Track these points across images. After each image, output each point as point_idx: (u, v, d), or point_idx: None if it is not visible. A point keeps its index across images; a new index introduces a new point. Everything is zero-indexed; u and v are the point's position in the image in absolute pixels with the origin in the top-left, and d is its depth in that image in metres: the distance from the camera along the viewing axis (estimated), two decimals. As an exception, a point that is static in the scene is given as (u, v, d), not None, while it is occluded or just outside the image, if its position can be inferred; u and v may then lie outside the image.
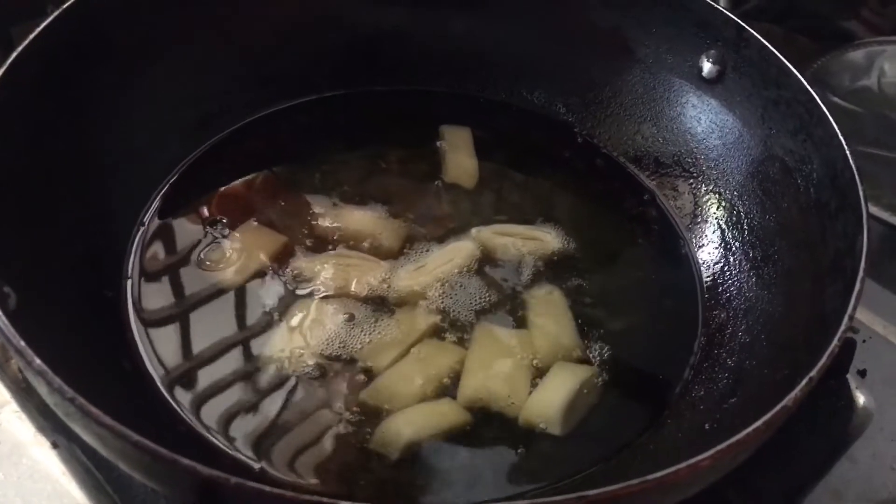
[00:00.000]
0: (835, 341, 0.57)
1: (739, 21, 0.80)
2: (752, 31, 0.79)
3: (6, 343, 0.53)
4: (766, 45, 0.78)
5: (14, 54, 0.68)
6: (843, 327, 0.58)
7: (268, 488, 0.46)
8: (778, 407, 0.53)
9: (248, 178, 0.86)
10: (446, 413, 0.70)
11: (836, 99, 1.06)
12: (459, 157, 0.90)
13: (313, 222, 0.82)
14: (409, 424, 0.68)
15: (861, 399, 0.78)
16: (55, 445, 0.69)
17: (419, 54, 0.94)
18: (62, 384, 0.50)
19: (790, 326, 0.70)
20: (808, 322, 0.68)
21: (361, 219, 0.82)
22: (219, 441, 0.67)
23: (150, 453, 0.48)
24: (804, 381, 0.55)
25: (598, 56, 0.91)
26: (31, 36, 0.70)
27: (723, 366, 0.73)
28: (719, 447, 0.51)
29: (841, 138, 0.70)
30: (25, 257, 0.65)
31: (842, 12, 1.23)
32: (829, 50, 1.11)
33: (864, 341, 0.80)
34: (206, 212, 0.82)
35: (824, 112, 0.73)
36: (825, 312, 0.65)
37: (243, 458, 0.66)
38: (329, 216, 0.82)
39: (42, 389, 0.52)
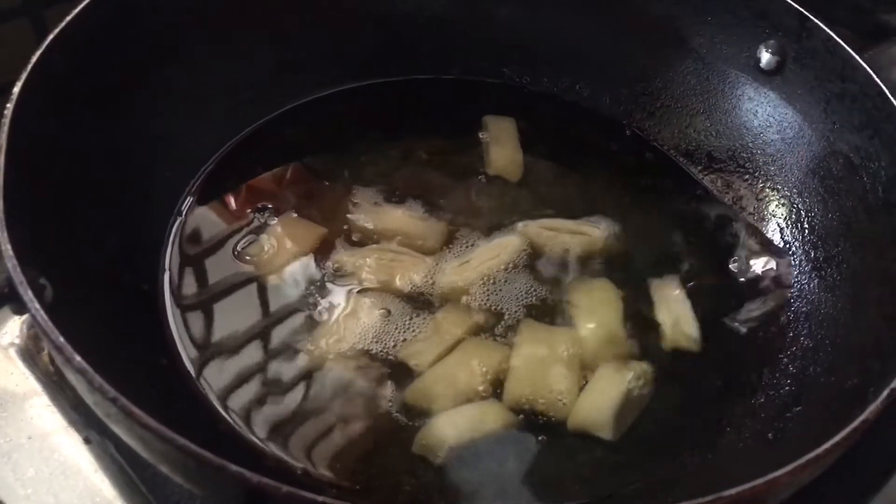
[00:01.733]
0: (915, 349, 0.54)
1: (802, 10, 0.77)
2: (816, 21, 0.76)
3: (44, 337, 0.50)
4: (831, 36, 0.75)
5: (48, 39, 0.66)
6: (923, 334, 0.55)
7: (321, 498, 0.44)
8: (858, 420, 0.50)
9: (285, 167, 0.84)
10: (492, 415, 0.67)
11: (884, 93, 1.03)
12: (503, 149, 0.87)
13: (352, 220, 0.79)
14: (452, 427, 0.66)
15: (924, 407, 0.74)
16: (87, 441, 0.68)
17: (461, 42, 0.91)
18: (103, 383, 0.47)
19: (857, 332, 0.67)
20: (878, 327, 0.65)
21: (401, 219, 0.79)
22: (258, 440, 0.65)
23: (196, 458, 0.45)
24: (885, 393, 0.52)
25: (648, 45, 0.88)
26: (66, 20, 0.67)
27: (784, 372, 0.70)
28: (799, 462, 0.48)
29: (914, 135, 0.67)
30: (60, 247, 0.62)
31: (884, 5, 1.19)
32: (871, 45, 1.07)
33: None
34: (244, 201, 0.80)
35: (895, 106, 0.69)
36: (898, 318, 0.62)
37: (284, 458, 0.64)
38: (368, 216, 0.79)
39: (82, 388, 0.50)
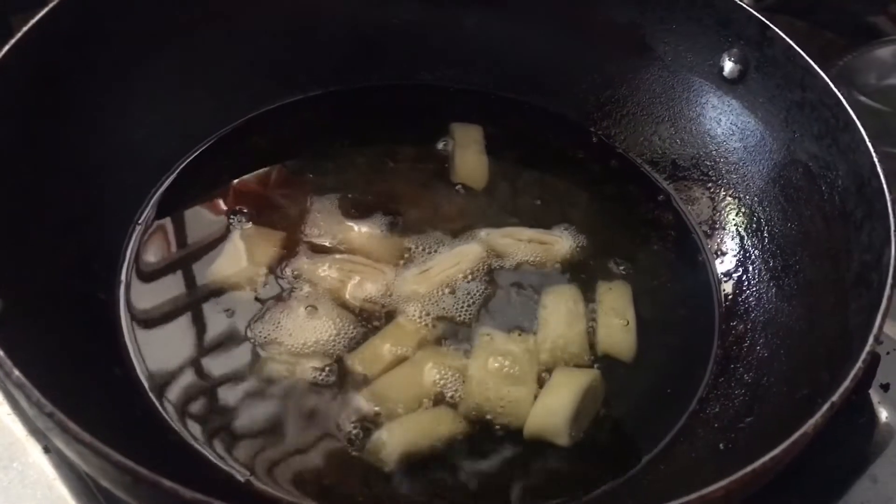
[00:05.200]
0: (859, 363, 0.54)
1: (763, 19, 0.77)
2: (777, 30, 0.76)
3: (-16, 350, 0.51)
4: (791, 45, 0.75)
5: (9, 43, 0.66)
6: (867, 347, 0.55)
7: (253, 514, 0.44)
8: (797, 434, 0.50)
9: (250, 176, 0.83)
10: (444, 422, 0.67)
11: (862, 98, 1.02)
12: (469, 157, 0.87)
13: (310, 234, 0.79)
14: (403, 434, 0.66)
15: (883, 415, 0.75)
16: (47, 450, 0.67)
17: (429, 49, 0.91)
18: (40, 397, 0.48)
19: (811, 342, 0.67)
20: (830, 338, 0.65)
21: (358, 235, 0.79)
22: (208, 451, 0.65)
23: (131, 473, 0.46)
24: (826, 407, 0.52)
25: (614, 53, 0.88)
26: (29, 24, 0.68)
27: (739, 381, 0.70)
28: (733, 477, 0.48)
29: (868, 144, 0.67)
30: (13, 257, 0.63)
31: (869, 7, 1.19)
32: (854, 47, 1.07)
33: (887, 353, 0.77)
34: (206, 209, 0.80)
35: (851, 116, 0.69)
36: (849, 328, 0.62)
37: (231, 469, 0.64)
38: (326, 230, 0.79)
39: (22, 402, 0.50)
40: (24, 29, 0.67)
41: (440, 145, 0.88)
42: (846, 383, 0.53)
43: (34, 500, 0.66)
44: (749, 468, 0.49)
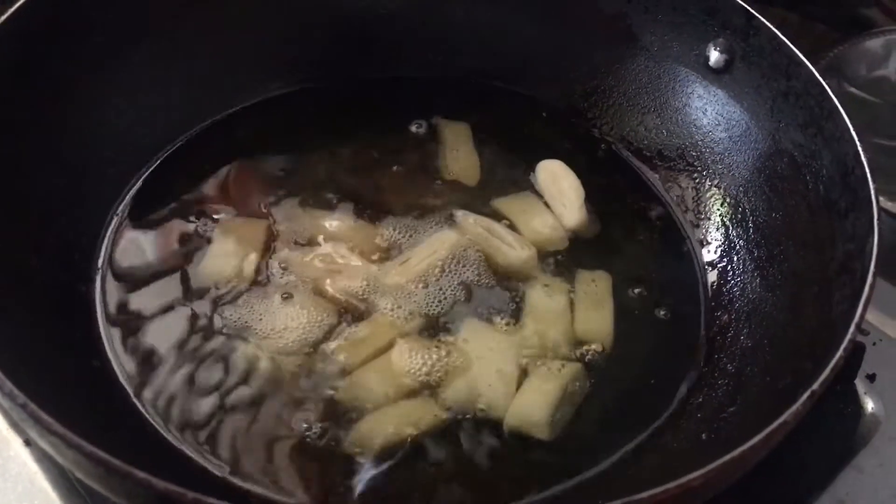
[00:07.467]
0: (840, 352, 0.54)
1: (749, 8, 0.77)
2: (763, 19, 0.76)
3: (-41, 343, 0.50)
4: (776, 34, 0.75)
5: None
6: (849, 336, 0.55)
7: (226, 504, 0.44)
8: (777, 423, 0.50)
9: (231, 168, 0.83)
10: (425, 414, 0.67)
11: (852, 89, 1.02)
12: (460, 156, 0.86)
13: (294, 225, 0.78)
14: (383, 425, 0.66)
15: (869, 405, 0.75)
16: (28, 443, 0.67)
17: (415, 39, 0.91)
18: (13, 388, 0.47)
19: (795, 331, 0.67)
20: (814, 327, 0.64)
21: (340, 229, 0.78)
22: (185, 445, 0.64)
23: (104, 464, 0.45)
24: (806, 395, 0.52)
25: (600, 43, 0.87)
26: (7, 13, 0.68)
27: (723, 371, 0.70)
28: (712, 465, 0.48)
29: (853, 133, 0.67)
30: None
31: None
32: (846, 38, 1.07)
33: (874, 344, 0.77)
34: (189, 201, 0.79)
35: (836, 105, 0.69)
36: (832, 318, 0.62)
37: (209, 463, 0.63)
38: (307, 225, 0.78)
39: (-5, 392, 0.50)
40: (2, 18, 0.67)
41: (425, 136, 0.88)
42: (826, 372, 0.53)
43: (15, 494, 0.65)
44: (727, 457, 0.48)
